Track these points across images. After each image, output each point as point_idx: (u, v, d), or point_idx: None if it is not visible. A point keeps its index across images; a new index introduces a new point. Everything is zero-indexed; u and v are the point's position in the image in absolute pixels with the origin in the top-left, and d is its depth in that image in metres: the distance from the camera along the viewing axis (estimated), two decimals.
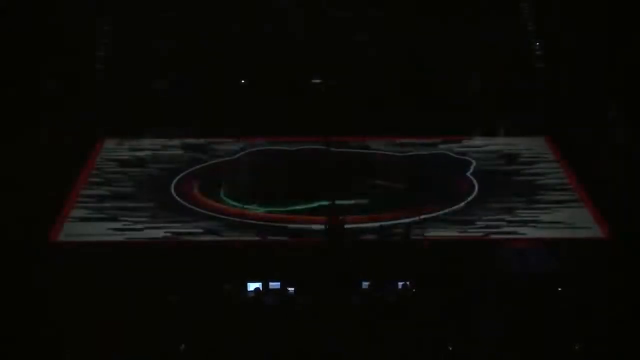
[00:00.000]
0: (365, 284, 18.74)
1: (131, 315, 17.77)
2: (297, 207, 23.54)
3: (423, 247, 19.91)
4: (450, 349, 16.23)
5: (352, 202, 23.31)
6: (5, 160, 26.52)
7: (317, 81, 31.33)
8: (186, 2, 34.36)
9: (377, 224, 22.48)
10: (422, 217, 21.78)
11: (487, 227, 23.33)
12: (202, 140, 28.63)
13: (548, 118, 30.35)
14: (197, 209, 24.19)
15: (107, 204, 24.54)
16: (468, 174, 26.55)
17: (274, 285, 18.79)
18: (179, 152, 28.01)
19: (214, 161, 27.37)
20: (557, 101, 31.79)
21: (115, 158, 27.54)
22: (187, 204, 24.54)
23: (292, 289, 18.67)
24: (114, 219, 23.73)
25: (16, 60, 32.38)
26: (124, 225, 23.36)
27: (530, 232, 23.06)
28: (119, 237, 22.76)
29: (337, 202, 21.86)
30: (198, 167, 26.97)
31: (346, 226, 21.38)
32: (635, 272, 20.70)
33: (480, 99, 31.67)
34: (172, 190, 25.34)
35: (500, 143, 29.15)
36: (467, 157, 27.62)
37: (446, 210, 24.12)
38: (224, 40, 33.43)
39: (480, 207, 24.46)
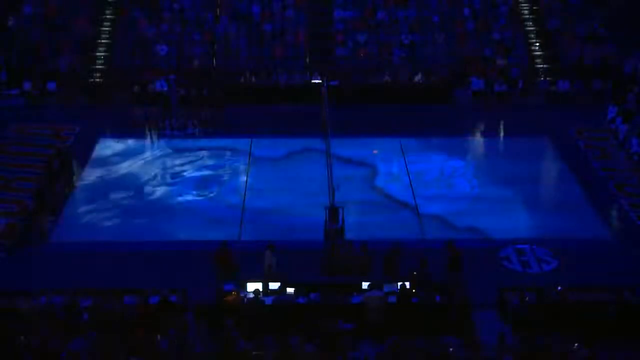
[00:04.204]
0: (365, 284, 18.70)
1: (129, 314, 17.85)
2: None
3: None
4: (451, 349, 16.22)
5: None
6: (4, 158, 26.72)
7: (317, 81, 31.34)
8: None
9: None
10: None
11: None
12: None
13: (548, 118, 30.40)
14: None
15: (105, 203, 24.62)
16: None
17: (274, 285, 18.77)
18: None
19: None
20: (558, 101, 31.96)
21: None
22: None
23: (292, 289, 18.65)
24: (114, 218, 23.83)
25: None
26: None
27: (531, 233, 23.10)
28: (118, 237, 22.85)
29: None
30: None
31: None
32: (635, 273, 20.73)
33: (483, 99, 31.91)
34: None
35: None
36: None
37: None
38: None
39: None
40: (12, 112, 30.34)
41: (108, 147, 28.41)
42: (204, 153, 27.92)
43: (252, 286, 18.42)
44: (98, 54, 33.69)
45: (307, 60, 33.67)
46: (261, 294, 18.31)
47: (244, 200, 24.82)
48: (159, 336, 16.42)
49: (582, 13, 34.94)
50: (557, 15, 35.06)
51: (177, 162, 27.36)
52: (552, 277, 20.58)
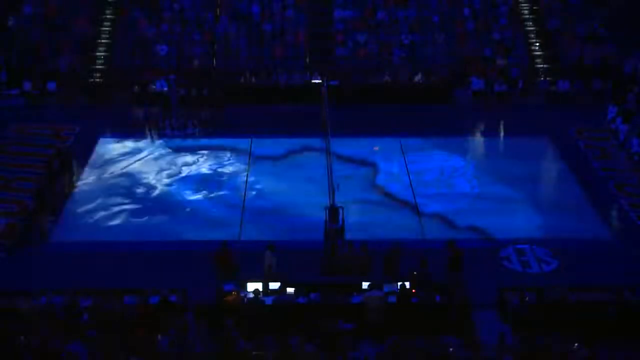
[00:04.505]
0: (365, 284, 18.70)
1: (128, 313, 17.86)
2: None
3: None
4: (451, 349, 16.21)
5: None
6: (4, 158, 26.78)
7: (317, 81, 31.36)
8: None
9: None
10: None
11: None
12: None
13: (548, 118, 30.43)
14: None
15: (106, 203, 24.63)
16: None
17: (274, 285, 18.76)
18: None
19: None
20: (558, 101, 31.99)
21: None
22: None
23: (292, 289, 18.65)
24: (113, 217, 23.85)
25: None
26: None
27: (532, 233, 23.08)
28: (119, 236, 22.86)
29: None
30: None
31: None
32: (635, 273, 20.74)
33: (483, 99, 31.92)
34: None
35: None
36: None
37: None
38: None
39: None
40: (12, 112, 30.36)
41: (108, 147, 28.41)
42: (204, 153, 27.93)
43: (252, 286, 18.41)
44: (98, 54, 33.69)
45: (307, 60, 33.67)
46: (261, 294, 18.30)
47: (244, 200, 24.83)
48: (159, 336, 16.42)
49: (582, 13, 34.94)
50: (557, 15, 35.06)
51: (177, 162, 27.35)
52: (552, 277, 20.59)
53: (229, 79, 32.33)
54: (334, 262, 19.97)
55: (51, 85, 31.77)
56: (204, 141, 28.80)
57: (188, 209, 24.30)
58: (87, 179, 26.13)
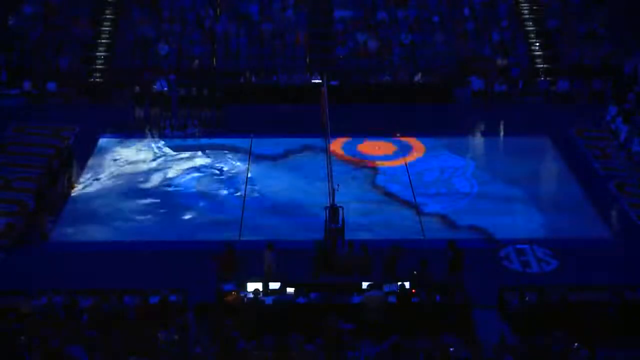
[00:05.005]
0: (365, 284, 18.69)
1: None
2: None
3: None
4: (451, 349, 16.20)
5: None
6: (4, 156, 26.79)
7: (317, 81, 31.36)
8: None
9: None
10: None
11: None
12: None
13: (548, 118, 30.43)
14: None
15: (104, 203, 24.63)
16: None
17: (274, 285, 18.75)
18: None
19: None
20: (558, 101, 31.99)
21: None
22: None
23: (292, 289, 18.64)
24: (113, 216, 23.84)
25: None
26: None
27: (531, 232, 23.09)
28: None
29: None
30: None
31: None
32: (635, 272, 20.74)
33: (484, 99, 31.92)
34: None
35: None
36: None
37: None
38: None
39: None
40: (12, 112, 30.35)
41: (108, 147, 28.41)
42: (204, 153, 27.92)
43: (252, 286, 18.41)
44: (98, 54, 33.69)
45: (307, 60, 33.67)
46: (261, 294, 18.30)
47: (244, 200, 24.83)
48: (159, 336, 16.42)
49: (582, 13, 34.95)
50: (557, 15, 35.07)
51: (177, 161, 27.36)
52: (552, 277, 20.59)
53: (229, 79, 32.34)
54: (334, 262, 19.96)
55: (51, 85, 31.76)
56: (204, 141, 28.82)
57: (188, 209, 24.34)
58: (87, 178, 26.13)
